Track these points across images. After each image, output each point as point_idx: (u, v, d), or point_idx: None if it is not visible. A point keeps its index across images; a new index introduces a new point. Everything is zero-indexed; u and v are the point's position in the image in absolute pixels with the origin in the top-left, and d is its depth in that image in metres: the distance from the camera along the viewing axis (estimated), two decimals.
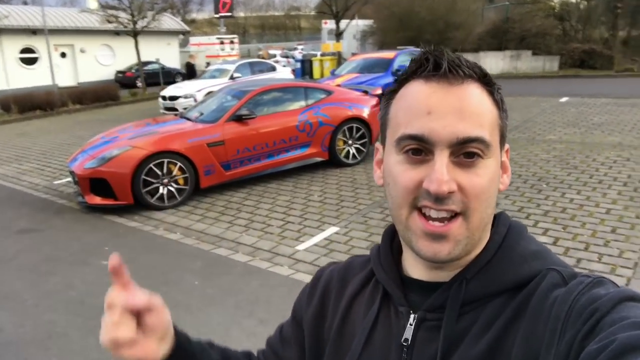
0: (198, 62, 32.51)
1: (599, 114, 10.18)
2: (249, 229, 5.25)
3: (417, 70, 0.65)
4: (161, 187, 5.96)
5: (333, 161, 7.29)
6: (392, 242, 0.78)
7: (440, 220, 0.62)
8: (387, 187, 0.68)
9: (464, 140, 0.60)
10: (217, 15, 35.92)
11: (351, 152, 7.41)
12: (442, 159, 0.61)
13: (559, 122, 9.63)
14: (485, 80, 0.65)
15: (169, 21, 29.27)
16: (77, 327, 3.55)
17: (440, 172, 0.60)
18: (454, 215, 0.62)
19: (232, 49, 33.73)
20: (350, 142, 7.39)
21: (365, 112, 7.46)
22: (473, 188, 0.61)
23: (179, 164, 6.02)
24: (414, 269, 0.71)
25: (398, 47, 13.84)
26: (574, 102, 11.87)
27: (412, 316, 0.69)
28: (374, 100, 7.79)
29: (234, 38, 35.03)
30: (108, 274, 0.67)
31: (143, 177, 5.78)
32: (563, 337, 0.53)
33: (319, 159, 7.21)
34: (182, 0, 68.64)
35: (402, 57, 12.05)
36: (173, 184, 6.04)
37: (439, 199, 0.60)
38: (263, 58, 14.93)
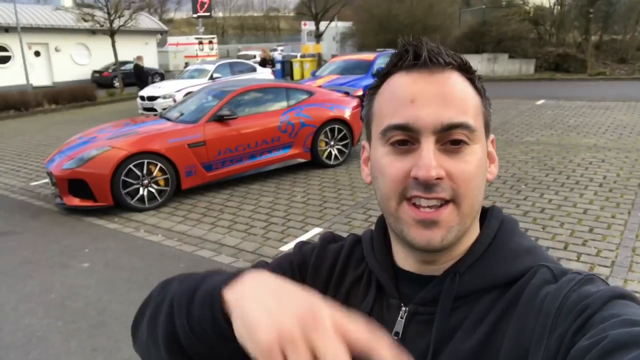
0: (176, 62, 32.29)
1: (574, 117, 10.43)
2: (232, 230, 5.21)
3: (397, 63, 0.66)
4: (141, 188, 5.87)
5: (315, 162, 7.29)
6: (384, 231, 0.76)
7: (431, 207, 0.61)
8: (375, 182, 0.68)
9: (449, 126, 0.61)
10: (195, 15, 35.63)
11: (333, 153, 7.43)
12: (428, 145, 0.61)
13: (536, 124, 9.82)
14: (466, 68, 0.66)
15: (146, 20, 28.93)
16: (57, 331, 3.47)
17: (428, 158, 0.60)
18: (445, 203, 0.62)
19: (211, 49, 33.54)
20: (332, 143, 7.40)
21: (346, 113, 7.49)
22: (461, 174, 0.61)
23: (159, 164, 5.95)
24: (404, 262, 0.71)
25: (377, 49, 13.94)
26: (550, 105, 12.13)
27: (402, 309, 0.68)
28: (355, 102, 7.82)
29: (212, 38, 34.85)
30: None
31: (123, 178, 5.69)
32: (553, 333, 0.54)
33: (301, 160, 7.21)
34: None
35: (381, 59, 12.13)
36: (153, 185, 5.96)
37: (428, 185, 0.60)
38: (266, 57, 15.32)
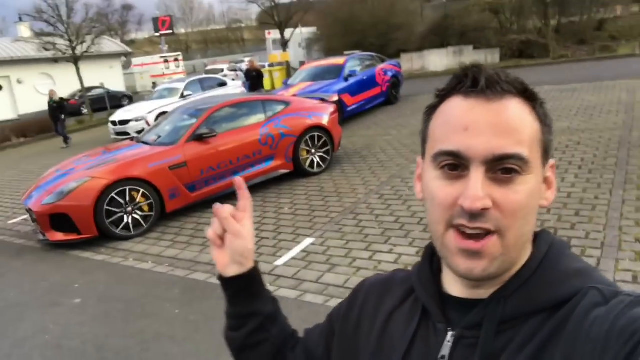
0: (143, 82, 31.85)
1: (545, 101, 10.62)
2: None
3: (456, 87, 0.66)
4: (125, 216, 5.76)
5: (298, 172, 7.28)
6: (432, 259, 0.78)
7: (475, 237, 0.62)
8: (425, 203, 0.69)
9: (501, 157, 0.60)
10: (157, 34, 35.35)
11: (315, 160, 7.43)
12: (477, 175, 0.60)
13: None
14: (526, 95, 0.65)
15: (109, 44, 28.53)
16: None
17: (475, 189, 0.60)
18: (489, 233, 0.61)
19: (177, 66, 33.26)
20: (313, 151, 7.40)
21: (325, 120, 7.50)
22: (509, 204, 0.61)
23: (141, 190, 5.85)
24: (453, 286, 0.72)
25: (345, 53, 14.00)
26: None
27: (449, 333, 0.69)
28: (332, 107, 7.84)
29: (177, 55, 34.55)
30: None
31: (105, 207, 5.58)
32: (603, 359, 0.53)
33: (284, 171, 7.19)
34: (119, 21, 67.15)
35: (351, 62, 12.22)
36: (138, 212, 5.86)
37: (474, 215, 0.60)
38: (252, 66, 15.01)
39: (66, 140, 14.31)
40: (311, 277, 4.27)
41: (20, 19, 25.84)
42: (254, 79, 14.63)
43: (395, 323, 0.77)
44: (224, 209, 0.87)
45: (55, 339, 3.82)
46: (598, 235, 4.21)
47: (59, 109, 14.26)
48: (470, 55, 21.55)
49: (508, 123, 0.61)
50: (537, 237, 0.70)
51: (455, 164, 0.63)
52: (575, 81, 12.81)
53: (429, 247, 0.79)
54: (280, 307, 0.98)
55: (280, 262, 4.67)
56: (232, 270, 0.89)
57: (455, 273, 0.66)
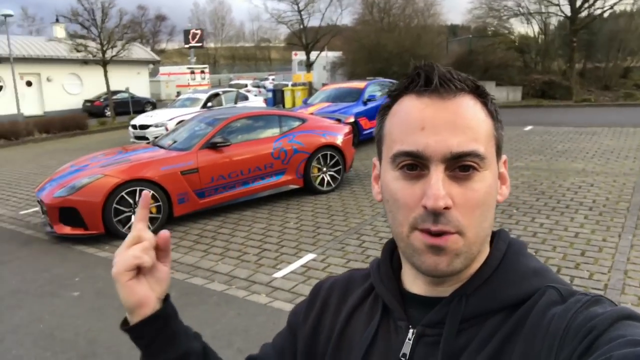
0: (168, 91, 32.50)
1: (562, 142, 10.60)
2: (225, 257, 5.17)
3: (409, 86, 0.65)
4: (133, 216, 5.83)
5: (308, 188, 7.31)
6: (391, 256, 0.78)
7: (439, 234, 0.62)
8: (386, 204, 0.68)
9: (458, 154, 0.61)
10: (187, 46, 36.17)
11: (326, 179, 7.46)
12: (437, 173, 0.61)
13: (525, 149, 9.96)
14: (478, 92, 0.65)
15: (138, 51, 29.22)
16: None
17: (436, 187, 0.60)
18: (450, 233, 0.62)
19: (203, 78, 33.88)
20: (324, 169, 7.44)
21: (339, 140, 7.56)
22: (468, 202, 0.61)
23: (151, 192, 5.93)
24: (413, 284, 0.71)
25: (367, 78, 14.16)
26: (538, 131, 12.32)
27: (410, 331, 0.68)
28: (347, 128, 7.91)
29: (204, 68, 35.22)
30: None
31: (115, 205, 5.66)
32: (559, 355, 0.53)
33: (294, 187, 7.23)
34: (152, 30, 68.92)
35: (372, 87, 12.34)
36: None
37: (437, 215, 0.60)
38: None
39: None
40: (308, 292, 4.24)
41: (57, 20, 26.68)
42: None
43: (356, 322, 0.76)
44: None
45: (49, 328, 3.85)
46: (602, 277, 4.13)
47: None
48: (491, 91, 20.63)
49: (464, 120, 0.62)
50: (495, 235, 0.71)
51: (414, 164, 0.62)
52: (596, 125, 12.74)
53: (388, 244, 0.79)
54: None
55: (279, 274, 4.67)
56: (151, 308, 0.72)
57: (421, 270, 0.65)
